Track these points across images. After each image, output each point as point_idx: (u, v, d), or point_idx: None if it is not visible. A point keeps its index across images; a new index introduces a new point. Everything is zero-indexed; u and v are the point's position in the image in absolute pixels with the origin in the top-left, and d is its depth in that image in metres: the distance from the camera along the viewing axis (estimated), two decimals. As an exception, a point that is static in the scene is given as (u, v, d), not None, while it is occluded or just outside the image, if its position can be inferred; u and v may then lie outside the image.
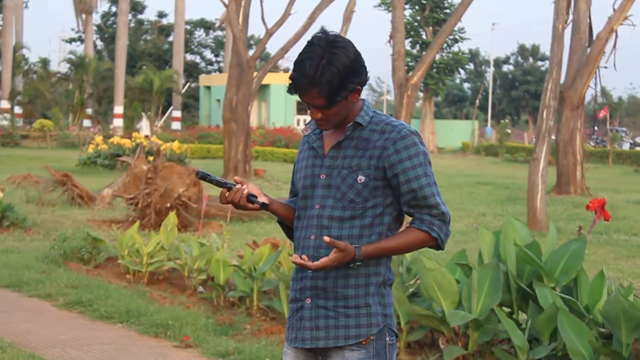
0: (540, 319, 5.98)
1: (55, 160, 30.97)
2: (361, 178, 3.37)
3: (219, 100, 55.27)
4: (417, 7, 54.29)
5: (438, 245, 3.42)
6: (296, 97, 3.48)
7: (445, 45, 51.90)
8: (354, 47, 3.34)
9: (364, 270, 3.39)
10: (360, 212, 3.38)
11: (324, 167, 3.44)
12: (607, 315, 5.70)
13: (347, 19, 27.64)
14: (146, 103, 54.17)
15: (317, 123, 3.43)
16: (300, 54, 3.34)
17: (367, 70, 3.38)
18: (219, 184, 3.40)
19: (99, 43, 76.97)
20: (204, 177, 3.38)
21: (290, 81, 3.34)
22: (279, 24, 26.79)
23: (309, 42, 3.34)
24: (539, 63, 78.93)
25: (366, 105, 3.46)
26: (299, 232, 3.48)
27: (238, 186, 3.41)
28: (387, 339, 3.43)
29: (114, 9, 72.68)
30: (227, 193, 3.40)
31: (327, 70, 3.27)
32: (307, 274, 3.43)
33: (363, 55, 3.38)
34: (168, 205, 14.10)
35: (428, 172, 3.39)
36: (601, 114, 54.58)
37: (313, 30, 28.23)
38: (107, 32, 75.78)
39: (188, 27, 73.49)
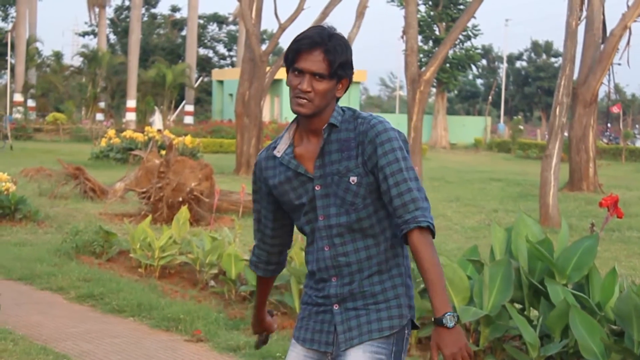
0: (551, 315, 5.97)
1: (67, 153, 31.08)
2: (353, 179, 3.28)
3: (231, 95, 55.33)
4: (430, 3, 54.22)
5: (433, 232, 3.24)
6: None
7: (458, 41, 51.78)
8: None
9: (385, 266, 3.36)
10: (364, 213, 3.31)
11: (315, 179, 3.34)
12: (618, 313, 5.69)
13: (360, 14, 27.63)
14: (159, 97, 54.25)
15: (298, 102, 3.30)
16: (300, 34, 3.29)
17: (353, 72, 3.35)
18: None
19: (112, 37, 77.14)
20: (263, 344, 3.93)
21: (292, 47, 3.27)
22: (292, 18, 26.79)
23: (306, 30, 3.31)
24: (552, 59, 78.72)
25: (337, 105, 3.38)
26: (311, 247, 3.41)
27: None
28: (407, 330, 3.38)
29: (127, 2, 72.80)
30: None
31: (334, 38, 3.25)
32: (331, 282, 3.35)
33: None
34: (180, 199, 14.14)
35: (399, 157, 3.25)
36: (614, 110, 54.38)
37: (326, 25, 28.28)
38: (120, 26, 75.94)
39: (201, 21, 73.56)
